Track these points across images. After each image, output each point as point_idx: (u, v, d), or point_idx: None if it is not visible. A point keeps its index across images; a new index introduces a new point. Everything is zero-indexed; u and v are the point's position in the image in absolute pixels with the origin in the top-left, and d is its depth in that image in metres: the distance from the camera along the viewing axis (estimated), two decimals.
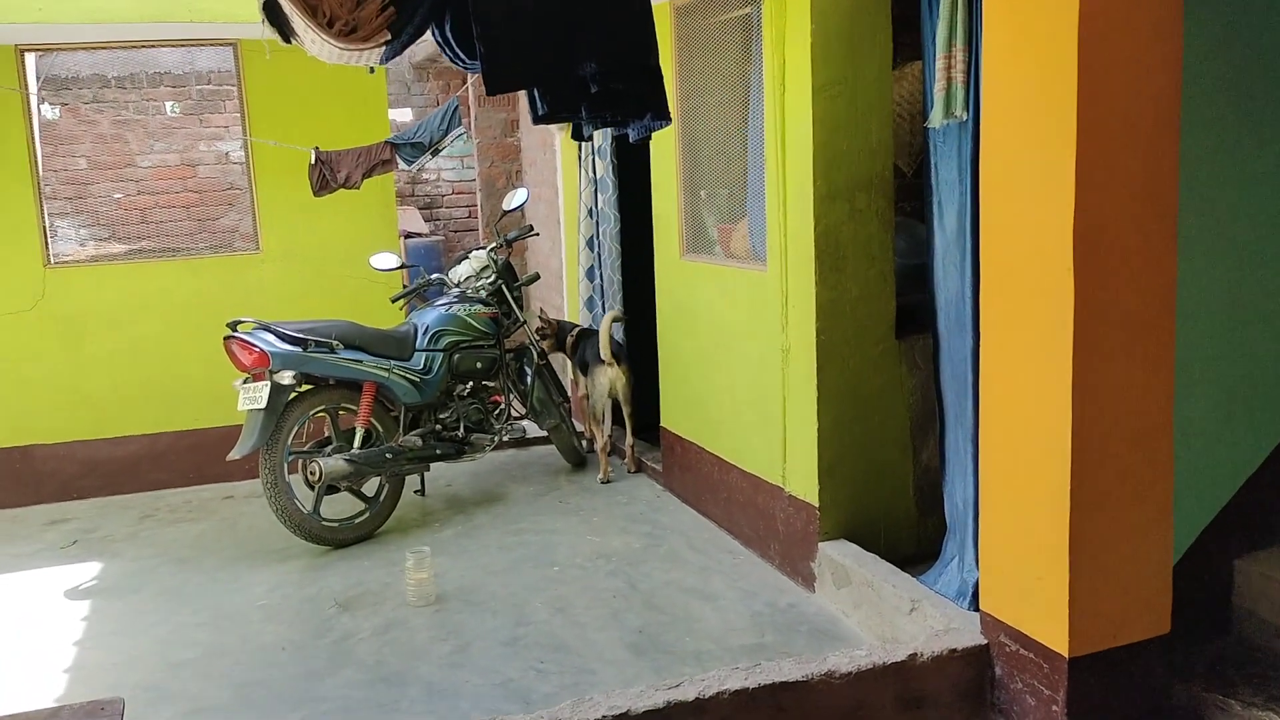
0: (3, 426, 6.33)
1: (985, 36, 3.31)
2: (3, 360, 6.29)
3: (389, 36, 2.20)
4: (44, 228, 6.35)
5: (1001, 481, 3.37)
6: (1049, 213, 3.04)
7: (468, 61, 2.47)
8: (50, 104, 8.94)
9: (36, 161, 6.39)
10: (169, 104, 9.49)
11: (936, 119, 3.80)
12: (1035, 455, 3.19)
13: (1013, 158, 3.19)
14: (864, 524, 4.53)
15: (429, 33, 2.46)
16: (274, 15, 2.20)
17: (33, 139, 6.33)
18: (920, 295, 4.34)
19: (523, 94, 2.63)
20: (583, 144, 6.54)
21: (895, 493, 4.60)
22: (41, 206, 6.36)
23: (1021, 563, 3.26)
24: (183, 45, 6.75)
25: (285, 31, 2.27)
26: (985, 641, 3.40)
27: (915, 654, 3.34)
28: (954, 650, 3.37)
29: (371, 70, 2.59)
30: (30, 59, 6.75)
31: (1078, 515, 3.07)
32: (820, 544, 4.47)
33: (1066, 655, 3.07)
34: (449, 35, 2.43)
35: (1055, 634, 3.11)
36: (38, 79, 8.22)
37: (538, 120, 2.62)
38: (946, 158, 3.94)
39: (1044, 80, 3.02)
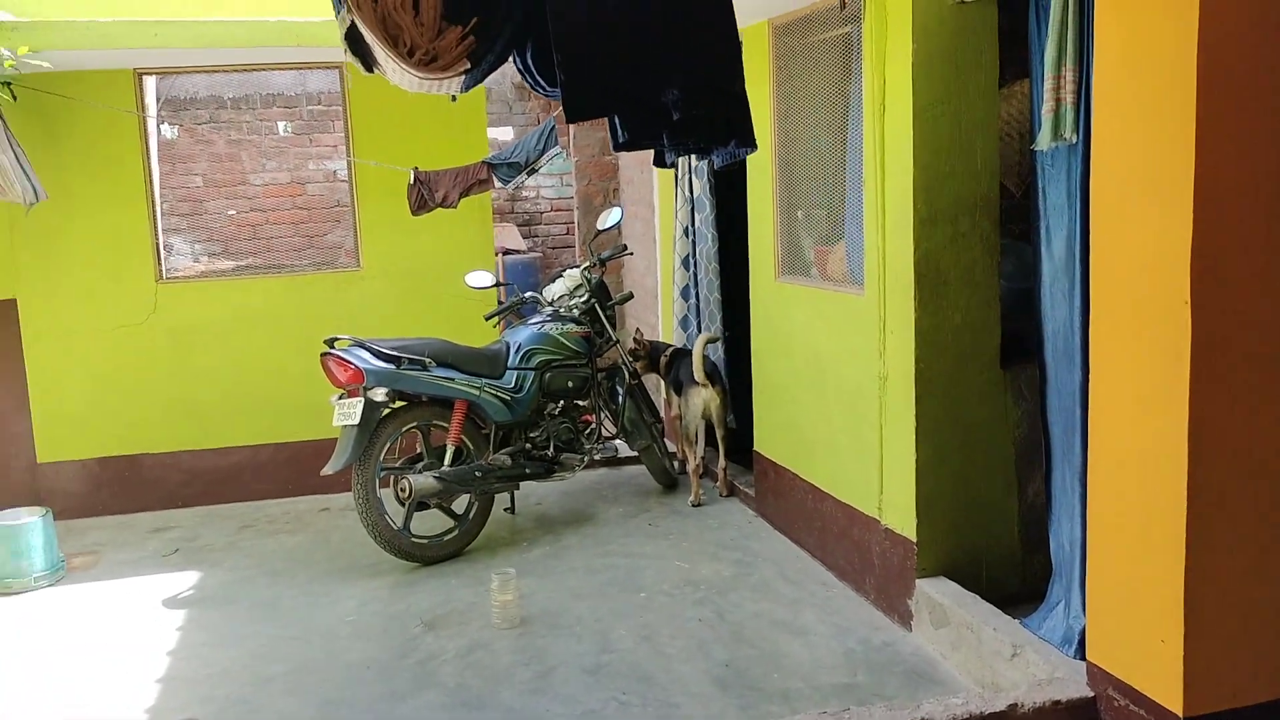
0: (114, 435, 6.51)
1: (1097, 56, 3.15)
2: (116, 371, 6.48)
3: (469, 65, 2.17)
4: (157, 244, 6.54)
5: (1111, 524, 3.19)
6: (1164, 240, 2.87)
7: (548, 89, 2.42)
8: (169, 124, 9.24)
9: (152, 180, 6.58)
10: (281, 124, 9.73)
11: (1044, 141, 3.63)
12: (1147, 497, 3.01)
13: (1125, 182, 3.03)
14: (965, 561, 4.35)
15: (510, 60, 2.42)
16: (356, 45, 2.19)
17: (149, 158, 6.53)
18: (1027, 322, 4.16)
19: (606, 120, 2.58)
20: (679, 164, 6.49)
21: (998, 529, 4.41)
22: (155, 223, 6.55)
23: (1132, 612, 3.08)
24: (290, 69, 6.90)
25: (368, 61, 2.25)
26: (1092, 694, 3.22)
27: (1016, 704, 3.19)
28: (1058, 702, 3.20)
29: (454, 99, 2.56)
30: (150, 82, 6.97)
31: (1194, 563, 2.88)
32: (918, 580, 4.31)
33: (1181, 714, 2.88)
34: (530, 63, 2.39)
35: (1169, 691, 2.92)
36: (158, 100, 8.49)
37: (618, 147, 2.56)
38: (1055, 181, 3.78)
39: (1160, 102, 2.85)
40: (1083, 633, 3.54)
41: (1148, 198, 2.93)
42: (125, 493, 6.55)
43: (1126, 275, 3.06)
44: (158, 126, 7.71)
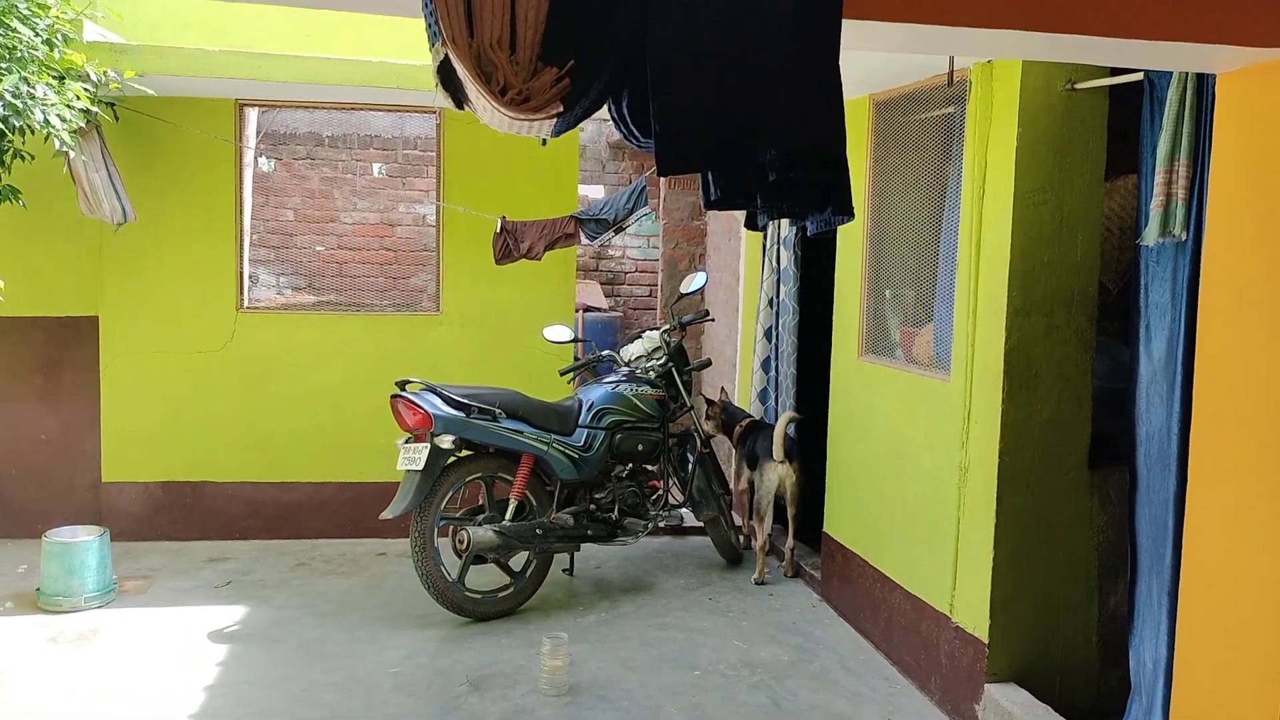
0: (180, 460, 6.53)
1: (1215, 153, 3.01)
2: (188, 396, 6.52)
3: (561, 108, 2.11)
4: (241, 273, 6.60)
5: (1201, 647, 2.97)
6: (1278, 349, 2.69)
7: (642, 140, 2.35)
8: (267, 157, 9.44)
9: (243, 210, 6.67)
10: (376, 165, 9.88)
11: (1151, 236, 3.47)
12: (1245, 623, 2.79)
13: (1241, 286, 2.86)
14: (1038, 669, 4.12)
15: (606, 108, 2.37)
16: (448, 80, 2.14)
17: (241, 189, 6.63)
18: (1119, 423, 3.97)
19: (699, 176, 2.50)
20: (767, 233, 6.40)
21: (1076, 638, 4.18)
22: (242, 253, 6.62)
23: None
24: (389, 110, 6.98)
25: (459, 97, 2.21)
26: None
27: None
28: None
29: (544, 142, 2.50)
30: (252, 115, 7.11)
31: None
32: (987, 685, 4.08)
33: None
34: (625, 111, 2.32)
35: None
36: (258, 133, 8.68)
37: (709, 205, 2.47)
38: (1159, 279, 3.60)
39: None
40: None
41: (1265, 303, 2.75)
42: (185, 519, 6.56)
43: (1234, 383, 2.87)
44: (255, 158, 7.85)
